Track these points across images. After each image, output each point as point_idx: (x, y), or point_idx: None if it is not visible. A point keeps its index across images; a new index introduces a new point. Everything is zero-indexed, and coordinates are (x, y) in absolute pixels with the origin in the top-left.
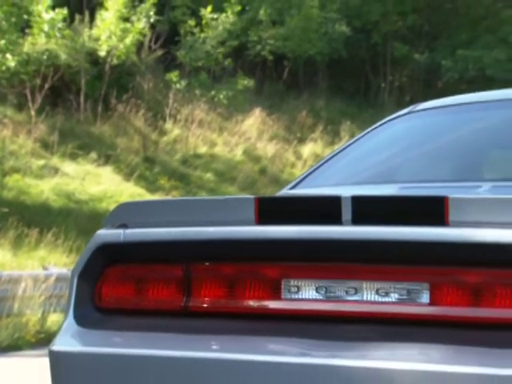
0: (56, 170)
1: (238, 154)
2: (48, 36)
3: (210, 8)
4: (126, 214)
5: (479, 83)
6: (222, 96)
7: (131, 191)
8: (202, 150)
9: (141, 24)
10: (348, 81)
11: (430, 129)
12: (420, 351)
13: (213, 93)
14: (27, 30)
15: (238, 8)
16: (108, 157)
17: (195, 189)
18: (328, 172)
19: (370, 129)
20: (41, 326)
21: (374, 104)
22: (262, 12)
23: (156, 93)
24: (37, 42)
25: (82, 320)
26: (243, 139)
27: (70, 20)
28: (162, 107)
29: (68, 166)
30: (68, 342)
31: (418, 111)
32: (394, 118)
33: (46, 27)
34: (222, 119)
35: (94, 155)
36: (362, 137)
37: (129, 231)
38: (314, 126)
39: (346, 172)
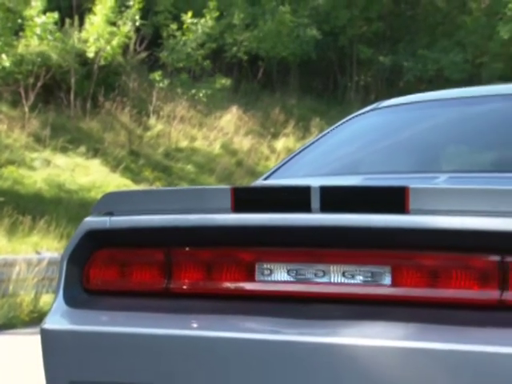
0: (48, 162)
1: (217, 147)
2: (40, 38)
3: (190, 13)
4: (112, 202)
5: (437, 83)
6: (201, 94)
7: (118, 182)
8: (183, 144)
9: (126, 28)
10: (317, 80)
11: (393, 124)
12: (383, 329)
13: (193, 91)
14: (21, 33)
15: (216, 14)
16: (96, 150)
17: (177, 180)
18: (298, 164)
19: (337, 124)
20: (34, 306)
21: (341, 102)
22: (236, 16)
23: (140, 91)
24: (30, 44)
25: (70, 300)
26: (221, 134)
27: (60, 23)
28: (146, 104)
29: (59, 159)
30: (58, 320)
31: (382, 108)
32: (360, 115)
33: (38, 30)
34: (202, 116)
35: (83, 149)
36: (329, 132)
37: (114, 218)
38: (286, 122)
39: (315, 164)
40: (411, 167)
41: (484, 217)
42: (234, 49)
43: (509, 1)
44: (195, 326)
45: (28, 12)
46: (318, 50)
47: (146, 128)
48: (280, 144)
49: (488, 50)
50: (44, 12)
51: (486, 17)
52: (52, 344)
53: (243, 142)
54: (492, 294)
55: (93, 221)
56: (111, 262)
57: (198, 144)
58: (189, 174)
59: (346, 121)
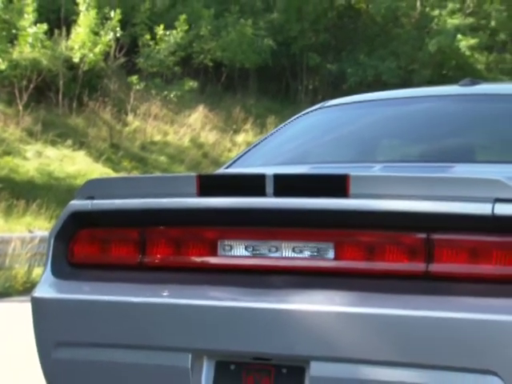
0: (39, 154)
1: (186, 141)
2: (32, 46)
3: (162, 26)
4: (93, 188)
5: (375, 86)
6: (172, 95)
7: (100, 171)
8: (157, 138)
9: (107, 37)
10: (273, 84)
11: (336, 121)
12: (327, 296)
13: (165, 93)
14: (15, 41)
15: (186, 26)
16: (81, 143)
17: (152, 169)
18: (256, 155)
19: (288, 121)
20: (27, 278)
21: (293, 102)
22: (203, 28)
23: (120, 92)
24: (23, 51)
25: (57, 273)
26: (189, 130)
27: (50, 33)
28: (124, 104)
29: (49, 151)
30: (46, 290)
31: (327, 107)
32: (308, 113)
33: (30, 39)
34: (173, 114)
35: (70, 142)
36: (282, 127)
37: (95, 202)
38: (245, 119)
39: (269, 155)
40: (352, 157)
41: (412, 200)
42: (201, 56)
43: (435, 16)
44: (165, 294)
45: (21, 23)
46: (274, 57)
47: (125, 124)
48: (240, 138)
49: (418, 59)
50: (35, 23)
51: (416, 30)
52: (41, 310)
53: (209, 137)
54: (419, 266)
55: (76, 204)
56: (92, 240)
57: (169, 138)
58: (162, 164)
59: (296, 118)
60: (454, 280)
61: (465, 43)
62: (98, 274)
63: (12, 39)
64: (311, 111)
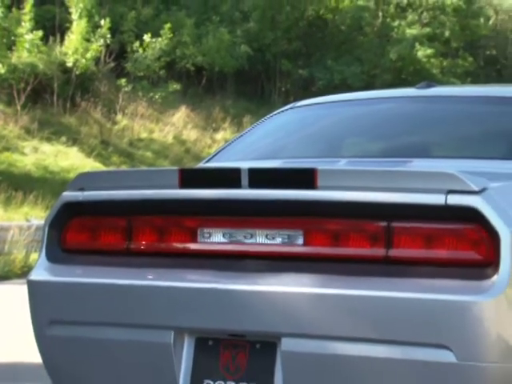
0: (36, 149)
1: (170, 138)
2: (29, 51)
3: (149, 34)
4: (84, 180)
5: (342, 89)
6: (157, 96)
7: (91, 165)
8: (143, 135)
9: (98, 43)
10: (249, 86)
11: (306, 119)
12: (297, 279)
13: (151, 94)
14: (14, 47)
15: (170, 34)
16: (74, 140)
17: (138, 164)
18: (232, 151)
19: (262, 120)
20: (24, 262)
21: (267, 103)
22: (185, 36)
23: (109, 94)
24: (21, 56)
25: (51, 258)
26: (173, 128)
27: (45, 40)
28: (113, 104)
29: (45, 147)
30: (41, 273)
31: (298, 107)
32: (280, 112)
33: (27, 45)
34: (158, 113)
35: (63, 139)
36: (256, 125)
37: (86, 193)
38: (224, 118)
39: (245, 150)
40: (319, 153)
41: (374, 191)
42: (184, 61)
43: (395, 26)
44: (150, 277)
45: (19, 30)
46: (249, 62)
47: (114, 123)
48: (219, 136)
49: (380, 65)
50: (32, 30)
51: (378, 38)
52: (36, 292)
53: (190, 134)
54: (380, 251)
55: (68, 195)
56: (83, 228)
57: (154, 135)
58: (148, 159)
59: (270, 117)
60: (411, 264)
61: (422, 53)
62: (89, 258)
63: (11, 45)
64: (283, 111)
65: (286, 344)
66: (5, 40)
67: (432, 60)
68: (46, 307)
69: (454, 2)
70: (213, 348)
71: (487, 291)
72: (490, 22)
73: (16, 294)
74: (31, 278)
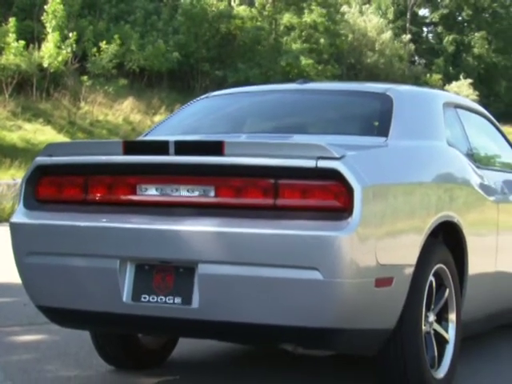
0: (20, 127)
1: (120, 120)
2: (15, 55)
3: (104, 42)
4: (52, 149)
5: (246, 85)
6: (111, 89)
7: (61, 140)
8: (100, 118)
9: (67, 50)
10: (178, 83)
11: (217, 105)
12: (210, 221)
13: (106, 87)
14: (3, 52)
15: (120, 43)
16: (48, 121)
17: (97, 138)
18: (163, 128)
19: (183, 106)
20: (11, 211)
21: (192, 95)
22: (132, 44)
23: (75, 87)
24: (9, 59)
25: (27, 205)
26: (123, 113)
27: (27, 47)
28: (78, 95)
29: (27, 125)
30: (20, 217)
31: (211, 96)
32: (198, 100)
33: (13, 51)
34: (111, 101)
35: (41, 120)
36: (180, 110)
37: (53, 158)
38: (160, 106)
39: (173, 128)
40: (227, 129)
41: (266, 158)
42: (131, 63)
43: (284, 41)
44: (102, 220)
45: (7, 40)
46: (179, 65)
47: (78, 108)
48: (157, 118)
49: (274, 69)
50: (17, 40)
51: (272, 50)
52: (16, 231)
53: (136, 117)
54: (269, 201)
55: (40, 159)
56: (51, 184)
57: (109, 118)
58: (104, 136)
59: (190, 103)
60: (292, 209)
61: (304, 62)
62: (56, 206)
63: (1, 51)
64: (200, 99)
65: (202, 268)
66: None
67: (310, 66)
68: (24, 242)
69: (325, 24)
70: (148, 272)
71: (344, 228)
72: (349, 39)
73: (4, 235)
74: (12, 221)
